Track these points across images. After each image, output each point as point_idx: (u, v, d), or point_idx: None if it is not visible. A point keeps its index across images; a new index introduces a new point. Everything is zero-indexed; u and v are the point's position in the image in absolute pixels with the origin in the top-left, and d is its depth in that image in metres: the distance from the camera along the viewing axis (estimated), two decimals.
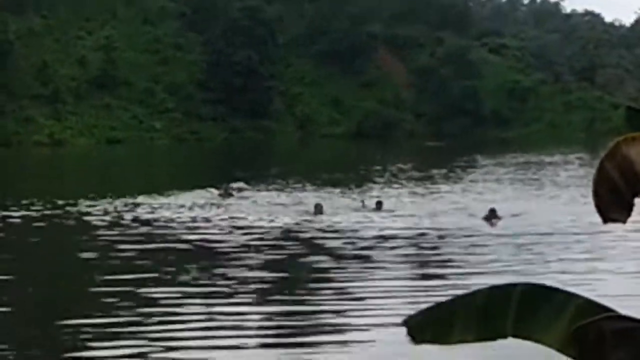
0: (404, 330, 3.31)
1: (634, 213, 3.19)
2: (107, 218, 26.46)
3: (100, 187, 38.44)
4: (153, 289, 15.48)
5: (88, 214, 27.61)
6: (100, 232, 23.89)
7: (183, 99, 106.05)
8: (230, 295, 15.42)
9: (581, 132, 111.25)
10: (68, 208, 28.97)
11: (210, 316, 13.82)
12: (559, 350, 3.12)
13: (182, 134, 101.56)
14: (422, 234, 22.97)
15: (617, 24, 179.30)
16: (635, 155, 3.10)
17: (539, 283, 3.27)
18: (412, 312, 3.38)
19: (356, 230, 23.69)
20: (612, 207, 3.16)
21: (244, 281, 16.75)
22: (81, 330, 12.90)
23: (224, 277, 17.02)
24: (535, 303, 3.16)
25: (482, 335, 3.23)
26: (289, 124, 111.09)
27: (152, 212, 27.61)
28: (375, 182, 41.12)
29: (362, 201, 29.73)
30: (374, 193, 34.60)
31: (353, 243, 21.51)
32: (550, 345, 3.14)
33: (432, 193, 35.27)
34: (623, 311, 3.11)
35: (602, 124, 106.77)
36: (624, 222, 3.16)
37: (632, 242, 21.03)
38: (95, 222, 25.71)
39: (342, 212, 27.68)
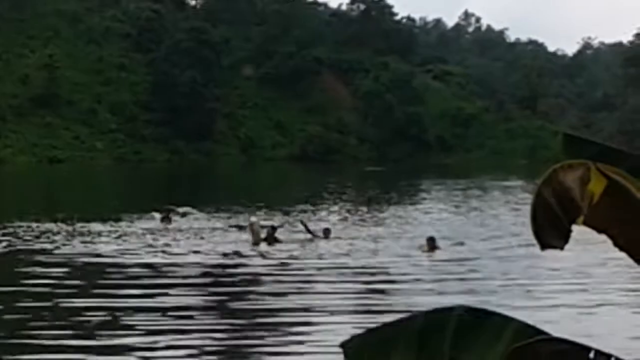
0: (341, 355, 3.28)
1: (570, 240, 3.20)
2: (41, 245, 25.59)
3: (38, 209, 37.82)
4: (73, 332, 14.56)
5: (21, 237, 26.95)
6: (32, 259, 23.21)
7: (126, 120, 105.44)
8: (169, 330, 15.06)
9: (523, 159, 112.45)
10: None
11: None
12: None
13: (124, 155, 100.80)
14: (364, 264, 22.79)
15: (559, 53, 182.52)
16: (571, 182, 3.12)
17: (475, 307, 3.27)
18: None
19: (300, 258, 23.52)
20: (549, 234, 3.16)
21: (184, 316, 16.41)
22: None
23: (164, 311, 16.53)
24: (472, 327, 3.15)
25: None
26: (232, 146, 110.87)
27: (88, 240, 26.83)
28: (319, 208, 41.06)
29: (309, 230, 27.95)
30: (319, 219, 34.62)
31: (297, 270, 21.35)
32: None
33: (372, 219, 35.30)
34: (558, 334, 3.13)
35: (543, 152, 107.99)
36: (562, 248, 3.17)
37: (570, 266, 21.28)
38: (28, 247, 25.05)
39: (289, 239, 27.40)
